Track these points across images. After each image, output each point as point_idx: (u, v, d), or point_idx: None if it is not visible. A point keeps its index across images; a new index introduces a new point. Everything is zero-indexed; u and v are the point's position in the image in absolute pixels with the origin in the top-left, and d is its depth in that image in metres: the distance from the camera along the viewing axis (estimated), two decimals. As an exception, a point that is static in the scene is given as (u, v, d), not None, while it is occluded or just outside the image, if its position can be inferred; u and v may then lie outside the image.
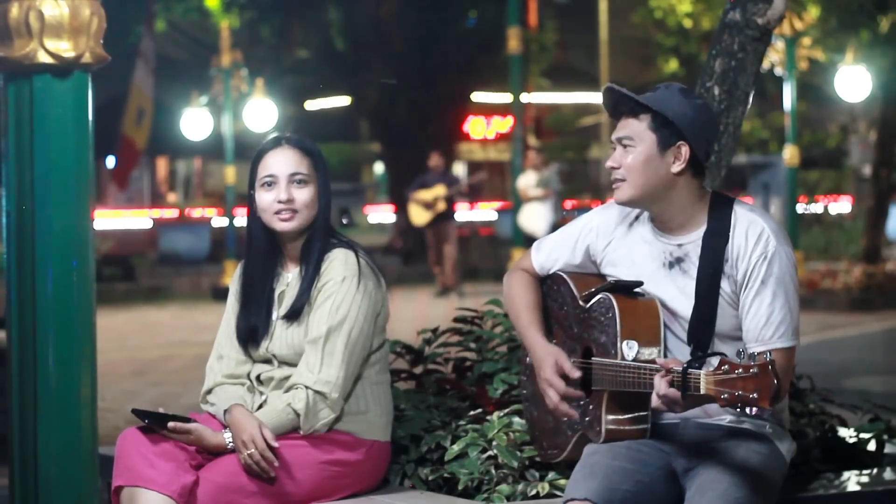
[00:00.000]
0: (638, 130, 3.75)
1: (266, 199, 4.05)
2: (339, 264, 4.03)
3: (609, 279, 3.87)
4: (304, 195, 4.05)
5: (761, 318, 3.69)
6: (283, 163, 4.06)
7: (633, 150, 3.75)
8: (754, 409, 3.25)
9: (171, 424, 3.89)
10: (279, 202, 4.03)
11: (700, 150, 3.75)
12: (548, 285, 4.04)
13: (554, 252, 4.01)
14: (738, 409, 3.28)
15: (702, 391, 3.35)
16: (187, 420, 3.94)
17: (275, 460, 3.88)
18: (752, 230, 3.72)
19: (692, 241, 3.77)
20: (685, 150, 3.73)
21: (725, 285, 3.72)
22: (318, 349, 3.99)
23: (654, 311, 3.75)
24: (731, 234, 3.72)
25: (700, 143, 3.74)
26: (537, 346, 3.90)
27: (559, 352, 3.85)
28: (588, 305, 3.84)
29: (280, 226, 4.05)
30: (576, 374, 3.78)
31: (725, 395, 3.27)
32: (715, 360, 3.37)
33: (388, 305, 4.15)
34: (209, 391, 4.12)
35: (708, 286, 3.72)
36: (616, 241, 3.89)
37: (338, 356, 3.98)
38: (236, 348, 4.14)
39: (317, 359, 3.98)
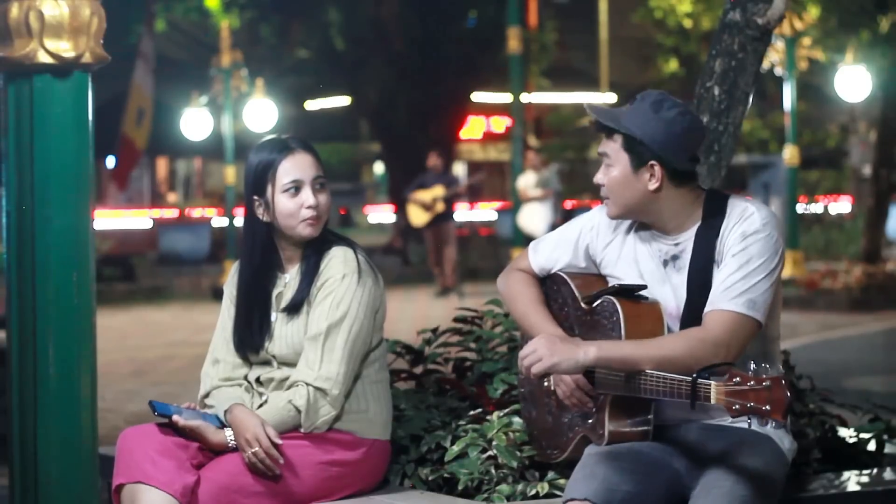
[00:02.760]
0: (614, 149, 3.74)
1: (290, 205, 4.01)
2: (339, 262, 4.03)
3: (609, 279, 3.87)
4: (325, 198, 4.05)
5: (718, 286, 3.65)
6: (305, 167, 4.03)
7: (611, 168, 3.75)
8: (770, 422, 3.23)
9: (174, 418, 3.90)
10: (309, 207, 4.01)
11: (679, 163, 3.70)
12: (547, 285, 4.03)
13: (554, 253, 3.99)
14: (749, 422, 3.27)
15: (712, 401, 3.34)
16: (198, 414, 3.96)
17: (279, 458, 3.88)
18: (741, 213, 3.70)
19: (688, 238, 3.77)
20: (658, 170, 3.69)
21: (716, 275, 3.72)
22: (317, 346, 3.98)
23: (658, 315, 3.73)
24: (723, 224, 3.71)
25: (676, 158, 3.69)
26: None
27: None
28: (590, 308, 3.83)
29: (308, 231, 4.02)
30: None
31: (737, 406, 3.26)
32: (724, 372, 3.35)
33: (386, 303, 4.15)
34: (206, 395, 4.11)
35: (700, 279, 3.71)
36: (616, 241, 3.88)
37: (338, 352, 3.98)
38: (233, 352, 4.13)
39: (316, 356, 3.98)
